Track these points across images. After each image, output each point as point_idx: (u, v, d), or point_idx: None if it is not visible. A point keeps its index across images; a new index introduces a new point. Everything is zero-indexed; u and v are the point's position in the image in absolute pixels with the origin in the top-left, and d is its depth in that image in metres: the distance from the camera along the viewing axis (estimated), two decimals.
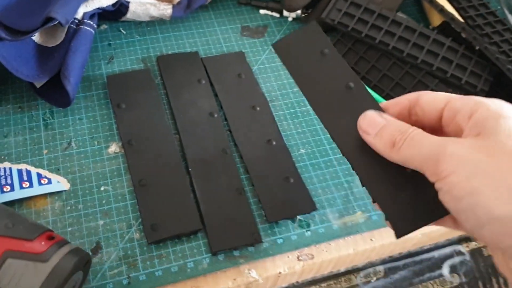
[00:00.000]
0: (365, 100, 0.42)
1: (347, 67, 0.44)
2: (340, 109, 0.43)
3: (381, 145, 0.36)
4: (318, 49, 0.48)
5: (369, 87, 0.57)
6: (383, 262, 0.54)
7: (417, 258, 0.56)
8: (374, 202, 0.38)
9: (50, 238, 0.39)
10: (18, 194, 0.46)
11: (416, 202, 0.37)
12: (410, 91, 0.44)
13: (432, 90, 0.56)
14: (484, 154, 0.31)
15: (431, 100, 0.37)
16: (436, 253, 0.56)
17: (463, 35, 0.59)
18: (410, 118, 0.38)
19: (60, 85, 0.51)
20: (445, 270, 0.56)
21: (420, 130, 0.34)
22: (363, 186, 0.38)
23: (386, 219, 0.37)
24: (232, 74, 0.57)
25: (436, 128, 0.37)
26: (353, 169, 0.39)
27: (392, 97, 0.55)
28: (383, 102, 0.40)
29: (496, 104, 0.34)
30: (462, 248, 0.57)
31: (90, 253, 0.44)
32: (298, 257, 0.46)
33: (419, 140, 0.34)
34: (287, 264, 0.46)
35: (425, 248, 0.55)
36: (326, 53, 0.47)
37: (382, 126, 0.36)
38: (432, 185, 0.34)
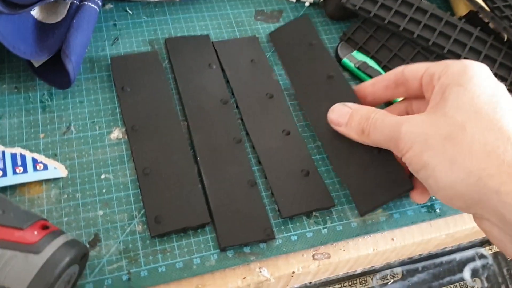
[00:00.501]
0: (343, 89, 0.48)
1: (330, 58, 0.51)
2: (320, 97, 0.49)
3: (353, 134, 0.42)
4: (307, 40, 0.53)
5: None
6: (402, 263, 0.51)
7: (437, 261, 0.52)
8: (343, 184, 0.44)
9: (44, 227, 0.35)
10: (10, 179, 0.42)
11: (382, 180, 0.43)
12: None
13: None
14: (432, 130, 0.35)
15: (413, 69, 0.41)
16: (457, 256, 0.53)
17: (492, 25, 0.56)
18: (398, 89, 0.43)
19: (60, 65, 0.47)
20: (466, 273, 0.53)
21: (381, 113, 0.40)
22: (334, 171, 0.46)
23: (352, 199, 0.43)
24: (244, 60, 0.53)
25: (419, 96, 0.42)
26: (325, 153, 0.46)
27: None
28: (370, 80, 0.46)
29: (460, 68, 0.38)
30: (485, 251, 0.54)
31: (88, 246, 0.40)
32: (313, 256, 0.42)
33: (380, 124, 0.39)
34: (301, 263, 0.42)
35: (446, 250, 0.52)
36: (313, 44, 0.52)
37: (349, 116, 0.42)
38: (396, 163, 0.43)
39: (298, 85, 0.51)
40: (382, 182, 0.43)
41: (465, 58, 0.51)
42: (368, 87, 0.45)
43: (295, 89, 0.51)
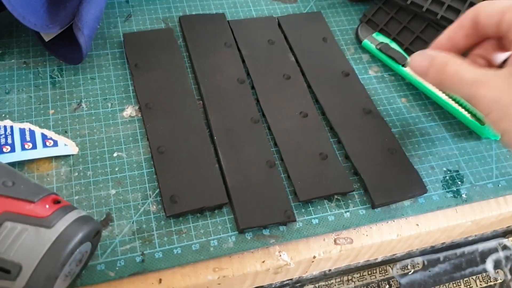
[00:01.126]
0: (357, 87, 0.49)
1: (344, 56, 0.51)
2: (334, 89, 0.48)
3: (433, 85, 0.39)
4: (320, 34, 0.53)
5: None
6: (423, 253, 0.49)
7: (459, 251, 0.50)
8: (355, 172, 0.43)
9: (56, 202, 0.33)
10: (19, 155, 0.40)
11: (397, 177, 0.43)
12: None
13: None
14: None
15: (490, 13, 0.38)
16: (479, 246, 0.51)
17: None
18: (478, 35, 0.39)
19: (71, 40, 0.45)
20: (489, 265, 0.51)
21: (458, 65, 0.37)
22: (346, 158, 0.44)
23: (365, 190, 0.42)
24: (261, 40, 0.51)
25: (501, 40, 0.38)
26: (339, 142, 0.45)
27: None
28: (442, 35, 0.41)
29: None
30: (508, 242, 0.52)
31: None
32: (335, 241, 0.40)
33: (458, 80, 0.36)
34: (323, 248, 0.40)
35: (469, 240, 0.50)
36: (326, 40, 0.52)
37: (428, 64, 0.38)
38: (412, 165, 0.43)
39: (311, 76, 0.49)
40: (398, 180, 0.43)
41: None
42: (444, 44, 0.41)
43: (309, 79, 0.49)
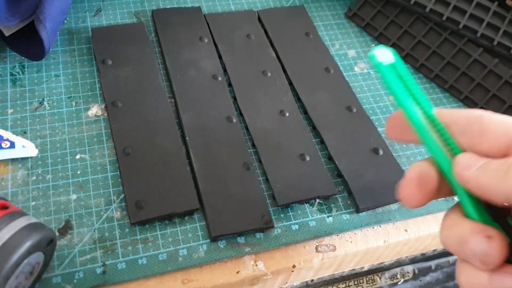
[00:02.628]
0: (341, 84, 0.45)
1: (327, 51, 0.48)
2: (316, 88, 0.45)
3: (488, 173, 0.26)
4: (302, 29, 0.49)
5: (415, 66, 0.49)
6: (413, 261, 0.45)
7: (452, 258, 0.47)
8: (339, 174, 0.40)
9: (3, 207, 0.30)
10: None
11: (384, 180, 0.39)
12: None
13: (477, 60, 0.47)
14: None
15: (498, 128, 0.27)
16: None
17: (509, 2, 0.51)
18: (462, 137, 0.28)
19: (33, 35, 0.42)
20: None
21: None
22: (329, 159, 0.41)
23: (349, 193, 0.39)
24: (240, 34, 0.48)
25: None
26: (321, 143, 0.42)
27: (441, 78, 0.47)
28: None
29: None
30: None
31: (57, 233, 0.35)
32: (316, 248, 0.37)
33: None
34: (303, 256, 0.37)
35: None
36: (309, 35, 0.49)
37: (486, 161, 0.26)
38: (399, 166, 0.39)
39: (293, 73, 0.46)
40: (384, 182, 0.39)
41: (482, 34, 0.47)
42: None
43: (291, 76, 0.46)
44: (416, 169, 0.28)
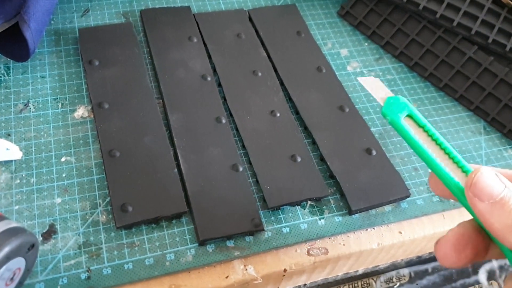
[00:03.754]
0: (333, 83, 0.44)
1: (319, 50, 0.47)
2: (308, 87, 0.44)
3: (498, 219, 0.25)
4: (294, 28, 0.48)
5: (409, 64, 0.48)
6: (409, 264, 0.44)
7: None
8: (331, 176, 0.39)
9: None
10: None
11: (377, 181, 0.38)
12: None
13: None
14: None
15: None
16: None
17: None
18: None
19: (18, 35, 0.41)
20: (482, 276, 0.46)
21: None
22: (321, 160, 0.40)
23: (342, 194, 0.38)
24: (230, 34, 0.47)
25: None
26: (313, 143, 0.41)
27: (435, 76, 0.46)
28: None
29: None
30: None
31: (41, 238, 0.34)
32: (308, 251, 0.36)
33: None
34: (294, 260, 0.36)
35: None
36: (301, 34, 0.48)
37: (503, 196, 0.25)
38: (393, 167, 0.38)
39: (284, 72, 0.45)
40: (377, 183, 0.38)
41: (476, 32, 0.46)
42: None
43: (282, 76, 0.45)
44: (456, 230, 0.27)
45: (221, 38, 0.47)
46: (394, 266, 0.44)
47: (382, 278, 0.43)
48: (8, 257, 0.28)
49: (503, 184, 0.26)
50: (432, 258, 0.44)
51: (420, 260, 0.44)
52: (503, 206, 0.25)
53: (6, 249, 0.28)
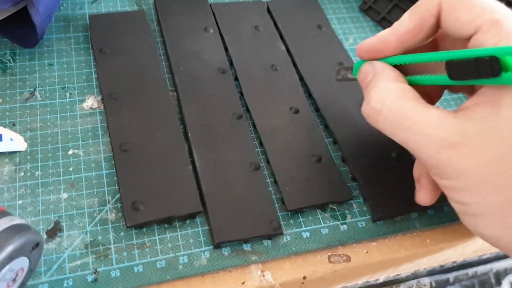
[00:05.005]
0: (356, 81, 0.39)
1: (341, 46, 0.45)
2: (330, 82, 0.41)
3: (365, 108, 0.31)
4: (314, 22, 0.46)
5: None
6: (430, 273, 0.42)
7: (471, 271, 0.44)
8: (354, 178, 0.37)
9: None
10: None
11: (401, 186, 0.36)
12: None
13: None
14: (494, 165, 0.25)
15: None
16: (494, 266, 0.44)
17: None
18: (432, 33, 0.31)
19: (26, 21, 0.39)
20: (505, 287, 0.44)
21: (404, 100, 0.29)
22: (343, 161, 0.38)
23: (365, 199, 0.36)
24: (247, 26, 0.45)
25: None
26: (335, 143, 0.39)
27: None
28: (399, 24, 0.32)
29: None
30: None
31: (45, 236, 0.32)
32: (329, 258, 0.34)
33: (399, 123, 0.28)
34: (314, 267, 0.33)
35: (482, 258, 0.43)
36: (322, 28, 0.46)
37: (368, 82, 0.31)
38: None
39: (304, 67, 0.43)
40: (404, 189, 0.36)
41: None
42: (388, 42, 0.32)
43: (301, 70, 0.43)
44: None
45: (238, 30, 0.44)
46: (415, 275, 0.42)
47: (402, 286, 0.41)
48: (11, 257, 0.26)
49: (372, 67, 0.32)
50: (455, 268, 0.42)
51: (442, 270, 0.42)
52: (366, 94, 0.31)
53: (10, 248, 0.25)
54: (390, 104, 0.29)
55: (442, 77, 0.29)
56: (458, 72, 0.27)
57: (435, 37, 0.33)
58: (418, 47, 0.32)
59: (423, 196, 0.33)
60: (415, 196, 0.34)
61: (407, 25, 0.31)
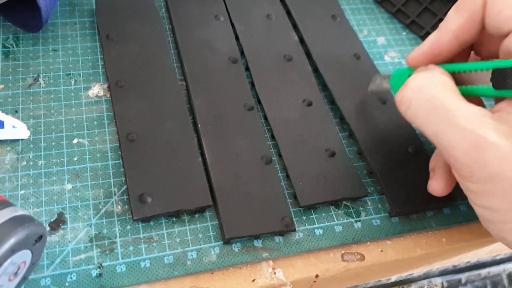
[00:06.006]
0: (371, 73, 0.40)
1: (356, 38, 0.43)
2: (345, 74, 0.40)
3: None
4: (328, 12, 0.45)
5: None
6: (442, 273, 0.41)
7: (484, 272, 0.42)
8: (370, 172, 0.36)
9: None
10: None
11: (420, 183, 0.34)
12: None
13: None
14: None
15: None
16: (507, 266, 0.43)
17: None
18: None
19: (30, 4, 0.38)
20: None
21: (441, 86, 0.27)
22: (358, 154, 0.37)
23: (382, 193, 0.35)
24: (259, 14, 0.43)
25: None
26: (349, 137, 0.38)
27: None
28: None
29: None
30: None
31: (48, 228, 0.30)
32: (342, 256, 0.33)
33: (444, 115, 0.26)
34: (326, 265, 0.32)
35: (496, 258, 0.42)
36: (336, 18, 0.44)
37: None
38: None
39: (318, 58, 0.41)
40: (419, 186, 0.34)
41: None
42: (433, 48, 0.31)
43: (317, 62, 0.41)
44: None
45: (249, 18, 0.43)
46: (427, 275, 0.40)
47: (414, 286, 0.40)
48: (14, 250, 0.24)
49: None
50: (467, 268, 0.41)
51: (455, 270, 0.41)
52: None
53: (12, 241, 0.24)
54: (428, 91, 0.27)
55: (486, 88, 0.28)
56: (502, 81, 0.26)
57: (473, 45, 0.32)
58: (467, 46, 0.31)
59: (436, 185, 0.32)
60: (428, 185, 0.33)
61: (458, 21, 0.29)
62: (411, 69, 0.32)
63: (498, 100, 0.29)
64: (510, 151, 0.24)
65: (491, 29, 0.28)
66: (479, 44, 0.32)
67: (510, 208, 0.25)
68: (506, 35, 0.27)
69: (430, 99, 0.27)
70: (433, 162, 0.33)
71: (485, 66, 0.28)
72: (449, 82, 0.28)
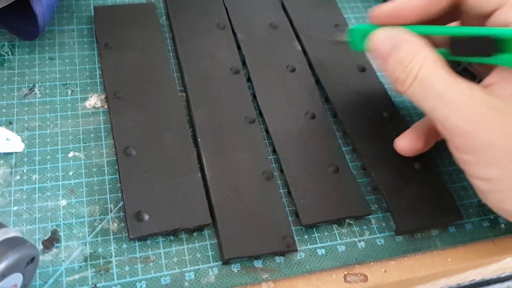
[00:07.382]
0: (375, 85, 0.40)
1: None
2: (350, 86, 0.40)
3: (389, 75, 0.31)
4: (331, 21, 0.44)
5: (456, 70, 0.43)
6: None
7: None
8: (375, 189, 0.35)
9: None
10: None
11: (426, 199, 0.34)
12: None
13: None
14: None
15: None
16: (511, 284, 0.42)
17: None
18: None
19: (27, 11, 0.37)
20: None
21: (436, 67, 0.29)
22: (363, 169, 0.36)
23: (387, 211, 0.34)
24: (261, 23, 0.42)
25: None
26: (352, 152, 0.37)
27: None
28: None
29: None
30: None
31: (41, 246, 0.29)
32: (345, 277, 0.32)
33: (433, 94, 0.28)
34: (329, 286, 0.31)
35: (501, 276, 0.41)
36: (339, 27, 0.44)
37: (392, 48, 0.30)
38: (443, 184, 0.35)
39: (321, 69, 0.41)
40: (426, 201, 0.34)
41: None
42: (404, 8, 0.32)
43: (318, 72, 0.40)
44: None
45: (252, 28, 0.42)
46: None
47: None
48: (4, 275, 0.23)
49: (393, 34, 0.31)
50: (472, 286, 0.40)
51: (459, 287, 0.40)
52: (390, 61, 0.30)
53: (2, 266, 0.23)
54: (425, 70, 0.29)
55: (443, 52, 0.30)
56: (459, 48, 0.29)
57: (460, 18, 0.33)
58: (436, 17, 0.32)
59: (401, 138, 0.35)
60: (394, 141, 0.35)
61: None
62: (373, 26, 0.32)
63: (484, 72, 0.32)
64: (499, 121, 0.27)
65: (471, 9, 0.30)
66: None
67: (504, 175, 0.27)
68: (488, 16, 0.29)
69: (426, 78, 0.28)
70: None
71: (445, 30, 0.30)
72: (439, 59, 0.29)
